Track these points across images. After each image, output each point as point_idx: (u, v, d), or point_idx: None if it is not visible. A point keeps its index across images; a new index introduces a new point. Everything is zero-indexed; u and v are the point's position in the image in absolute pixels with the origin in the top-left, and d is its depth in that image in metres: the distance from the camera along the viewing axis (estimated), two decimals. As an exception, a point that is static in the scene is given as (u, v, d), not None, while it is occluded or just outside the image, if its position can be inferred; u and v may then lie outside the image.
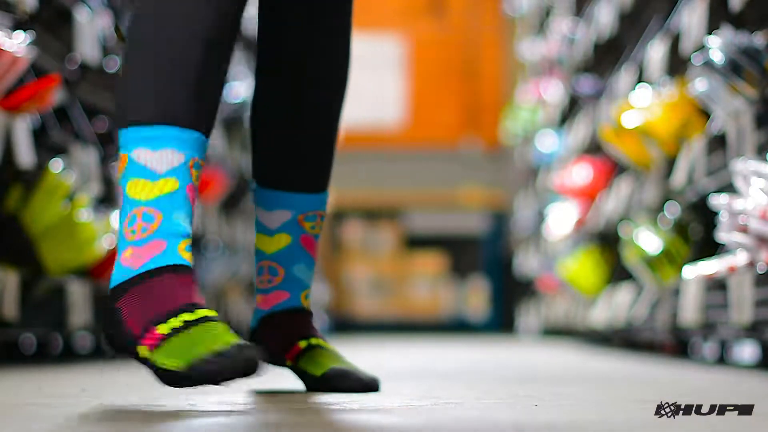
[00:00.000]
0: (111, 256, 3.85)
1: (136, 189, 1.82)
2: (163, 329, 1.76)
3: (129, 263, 1.81)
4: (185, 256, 1.82)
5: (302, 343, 2.10)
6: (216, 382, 1.71)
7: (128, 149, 1.83)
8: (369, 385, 2.06)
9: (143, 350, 1.77)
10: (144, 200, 1.82)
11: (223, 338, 1.73)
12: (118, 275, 1.82)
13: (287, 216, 2.13)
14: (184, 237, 1.82)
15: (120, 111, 1.86)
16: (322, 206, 2.16)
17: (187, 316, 1.77)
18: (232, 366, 1.70)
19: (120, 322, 1.80)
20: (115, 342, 1.82)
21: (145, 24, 1.86)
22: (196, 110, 1.84)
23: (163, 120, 1.83)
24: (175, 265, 1.81)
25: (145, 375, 1.78)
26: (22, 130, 3.16)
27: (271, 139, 2.14)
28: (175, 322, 1.76)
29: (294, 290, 2.14)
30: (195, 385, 1.73)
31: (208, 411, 1.70)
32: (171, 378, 1.74)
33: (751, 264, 2.77)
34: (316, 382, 2.08)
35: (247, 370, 1.72)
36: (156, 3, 1.85)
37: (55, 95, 3.31)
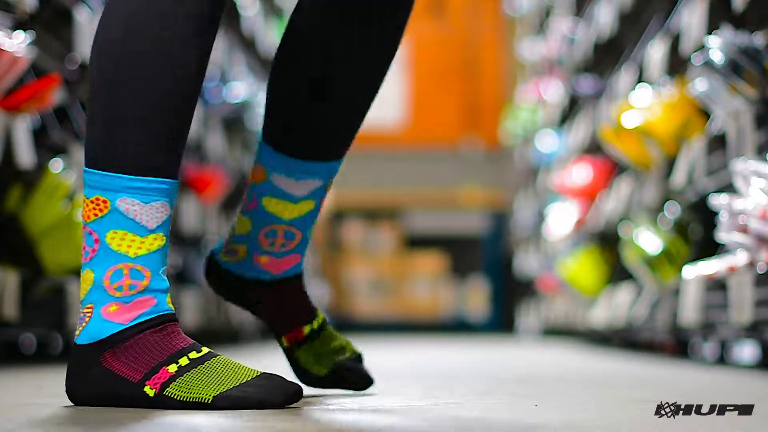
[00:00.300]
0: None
1: (122, 242, 1.75)
2: (172, 368, 1.72)
3: (115, 318, 1.74)
4: (172, 307, 1.78)
5: (306, 329, 2.06)
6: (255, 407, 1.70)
7: (112, 196, 1.74)
8: (368, 381, 2.07)
9: (149, 390, 1.72)
10: (132, 257, 1.75)
11: (244, 369, 1.73)
12: (100, 329, 1.75)
13: (318, 184, 2.06)
14: (168, 291, 1.78)
15: (99, 152, 1.76)
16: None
17: (193, 355, 1.74)
18: (272, 394, 1.70)
19: (108, 374, 1.73)
20: (101, 396, 1.75)
21: (125, 58, 1.75)
22: (178, 158, 1.78)
23: (154, 172, 1.75)
24: (165, 315, 1.76)
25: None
26: (22, 130, 3.16)
27: (304, 110, 2.02)
28: (182, 361, 1.73)
29: (303, 251, 2.09)
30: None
31: (206, 410, 1.69)
32: (194, 407, 1.70)
33: (751, 264, 2.77)
34: (319, 381, 2.06)
35: (290, 398, 1.71)
36: (136, 38, 1.75)
37: (55, 95, 3.31)
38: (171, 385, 1.71)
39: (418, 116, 12.47)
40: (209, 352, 1.76)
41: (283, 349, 2.08)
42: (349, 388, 2.07)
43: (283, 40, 2.03)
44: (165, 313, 1.76)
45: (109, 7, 1.77)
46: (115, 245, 1.75)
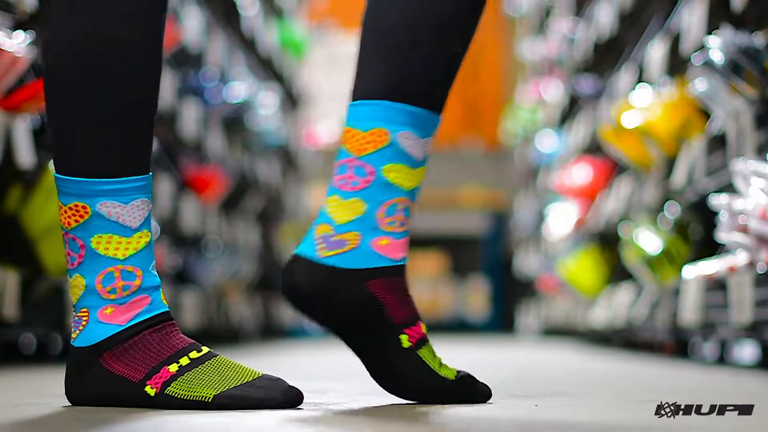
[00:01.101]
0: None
1: (109, 246, 1.73)
2: (173, 368, 1.72)
3: (111, 320, 1.73)
4: (165, 303, 1.77)
5: (424, 326, 1.87)
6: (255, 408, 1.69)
7: (91, 202, 1.72)
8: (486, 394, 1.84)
9: (150, 389, 1.71)
10: (122, 258, 1.73)
11: (245, 369, 1.72)
12: (98, 331, 1.74)
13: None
14: (159, 286, 1.77)
15: (71, 158, 1.74)
16: None
17: (193, 354, 1.74)
18: (272, 394, 1.69)
19: (108, 375, 1.73)
20: (100, 396, 1.74)
21: (81, 57, 1.72)
22: (148, 150, 1.76)
23: (131, 171, 1.73)
24: (162, 314, 1.75)
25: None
26: (22, 130, 3.16)
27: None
28: (183, 360, 1.72)
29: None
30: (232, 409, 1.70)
31: (207, 412, 1.69)
32: (195, 406, 1.70)
33: (751, 264, 2.77)
34: (447, 387, 1.80)
35: (292, 399, 1.70)
36: (89, 32, 1.71)
37: (55, 95, 3.31)
38: (172, 384, 1.71)
39: (418, 116, 12.47)
40: (209, 351, 1.75)
41: (396, 353, 1.80)
42: (475, 401, 1.81)
43: None
44: (161, 312, 1.75)
45: (57, 13, 1.73)
46: (102, 249, 1.74)
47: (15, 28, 3.18)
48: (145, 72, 1.75)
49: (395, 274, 1.80)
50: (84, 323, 1.75)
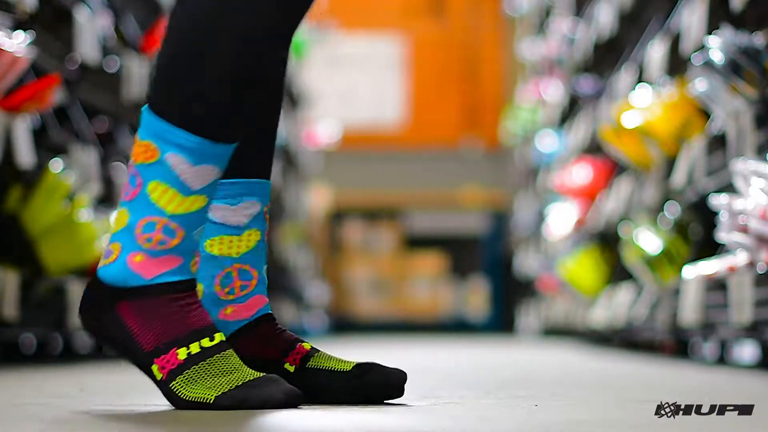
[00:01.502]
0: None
1: (162, 196, 1.72)
2: (181, 354, 1.71)
3: (139, 270, 1.74)
4: (194, 270, 1.76)
5: (306, 345, 1.86)
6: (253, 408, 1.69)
7: (162, 147, 1.71)
8: (401, 381, 1.83)
9: (157, 371, 1.71)
10: (169, 213, 1.72)
11: (248, 370, 1.72)
12: (124, 276, 1.74)
13: (257, 208, 1.88)
14: (196, 252, 1.77)
15: (157, 92, 1.74)
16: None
17: (206, 342, 1.73)
18: (273, 394, 1.69)
19: (121, 326, 1.74)
20: (109, 339, 1.76)
21: (214, 20, 1.72)
22: (238, 123, 1.75)
23: (209, 135, 1.72)
24: (188, 281, 1.75)
25: (143, 376, 1.77)
26: (22, 130, 3.16)
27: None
28: (193, 347, 1.72)
29: (266, 294, 1.90)
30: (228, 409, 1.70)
31: (206, 410, 1.69)
32: (196, 406, 1.70)
33: (751, 264, 2.77)
34: (346, 377, 1.82)
35: (291, 400, 1.70)
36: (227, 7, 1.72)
37: (55, 95, 3.31)
38: (177, 379, 1.71)
39: (418, 116, 12.48)
40: (220, 342, 1.74)
41: (289, 377, 1.83)
42: (380, 382, 1.82)
43: None
44: (187, 279, 1.75)
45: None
46: (155, 197, 1.73)
47: (15, 28, 3.18)
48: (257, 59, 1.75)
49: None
50: (113, 258, 1.75)
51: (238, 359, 1.74)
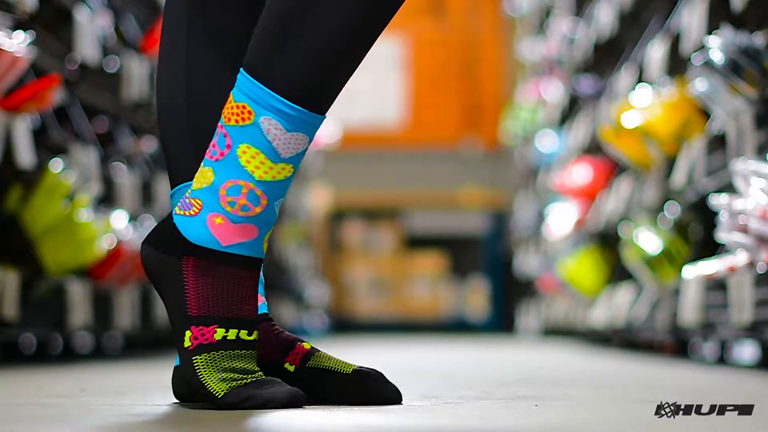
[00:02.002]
0: (112, 256, 3.85)
1: (252, 160, 1.70)
2: (219, 334, 1.71)
3: (217, 233, 1.72)
4: (264, 248, 1.75)
5: (306, 344, 1.85)
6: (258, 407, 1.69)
7: (258, 111, 1.69)
8: (397, 399, 1.81)
9: (188, 338, 1.71)
10: (257, 178, 1.71)
11: (257, 371, 1.73)
12: (201, 234, 1.73)
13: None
14: (273, 225, 1.75)
15: (260, 55, 1.71)
16: None
17: (243, 335, 1.72)
18: (277, 394, 1.69)
19: (178, 283, 1.73)
20: (161, 287, 1.74)
21: None
22: (333, 97, 1.74)
23: (306, 103, 1.70)
24: (258, 260, 1.74)
25: (144, 376, 1.77)
26: (22, 130, 3.16)
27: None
28: (231, 333, 1.72)
29: (264, 295, 1.89)
30: (229, 409, 1.70)
31: (206, 410, 1.69)
32: (203, 396, 1.70)
33: (751, 264, 2.77)
34: (345, 380, 1.81)
35: (295, 399, 1.70)
36: None
37: (55, 95, 3.31)
38: (203, 355, 1.70)
39: (418, 116, 12.47)
40: (254, 340, 1.74)
41: (289, 377, 1.83)
42: (376, 392, 1.81)
43: None
44: (257, 258, 1.73)
45: None
46: (244, 161, 1.71)
47: (15, 28, 3.18)
48: (360, 28, 1.72)
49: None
50: (193, 212, 1.74)
51: (255, 360, 1.74)
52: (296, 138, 1.71)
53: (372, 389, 1.80)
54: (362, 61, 1.76)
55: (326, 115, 1.74)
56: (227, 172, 1.72)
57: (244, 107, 1.71)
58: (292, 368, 1.82)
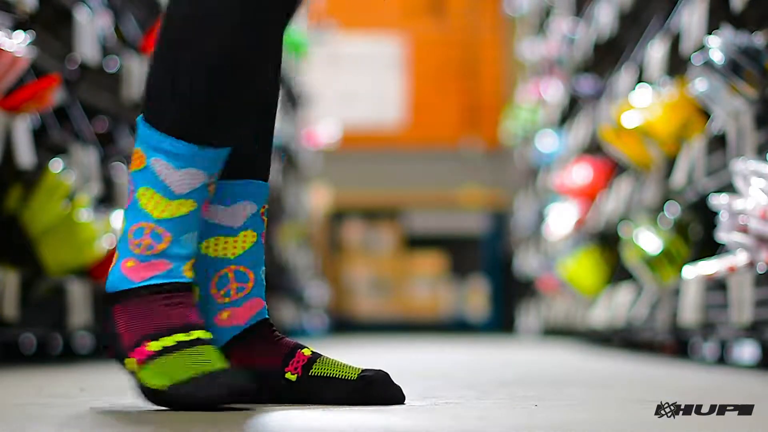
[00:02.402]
0: (111, 256, 3.85)
1: (149, 201, 1.76)
2: (154, 346, 1.73)
3: (130, 274, 1.76)
4: (188, 275, 1.77)
5: (306, 351, 1.83)
6: (198, 407, 1.69)
7: (148, 154, 1.76)
8: (400, 399, 1.81)
9: (131, 363, 1.74)
10: (156, 217, 1.76)
11: (213, 363, 1.71)
12: (117, 281, 1.78)
13: (252, 209, 1.86)
14: (191, 257, 1.77)
15: (145, 102, 1.78)
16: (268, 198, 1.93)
17: (181, 337, 1.73)
18: (218, 390, 1.68)
19: (116, 330, 1.76)
20: (110, 348, 1.78)
21: (191, 25, 1.76)
22: (223, 126, 1.77)
23: (188, 137, 1.75)
24: (176, 283, 1.76)
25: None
26: (22, 130, 3.16)
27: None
28: (168, 341, 1.73)
29: (264, 297, 1.88)
30: (176, 406, 1.70)
31: (206, 410, 1.69)
32: (152, 396, 1.72)
33: (751, 264, 2.77)
34: (349, 388, 1.79)
35: (235, 395, 1.68)
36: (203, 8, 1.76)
37: (55, 95, 3.31)
38: (146, 367, 1.72)
39: (418, 116, 12.47)
40: (199, 337, 1.74)
41: (290, 386, 1.81)
42: (380, 395, 1.80)
43: None
44: (177, 281, 1.76)
45: None
46: (143, 203, 1.77)
47: (15, 28, 3.18)
48: (235, 60, 1.77)
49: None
50: (112, 265, 1.79)
51: (216, 353, 1.73)
52: (189, 174, 1.76)
53: (376, 394, 1.80)
54: (249, 90, 1.80)
55: (220, 147, 1.77)
56: (132, 216, 1.78)
57: (138, 152, 1.78)
58: (293, 377, 1.80)
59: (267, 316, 1.86)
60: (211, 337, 1.77)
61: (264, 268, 1.87)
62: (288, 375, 1.80)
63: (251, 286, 1.85)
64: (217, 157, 1.77)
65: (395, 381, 1.82)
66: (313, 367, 1.81)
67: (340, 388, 1.79)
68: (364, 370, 1.80)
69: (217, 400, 1.69)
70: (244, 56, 1.78)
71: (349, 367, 1.81)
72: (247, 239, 1.85)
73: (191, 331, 1.74)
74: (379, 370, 1.81)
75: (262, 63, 1.83)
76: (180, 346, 1.73)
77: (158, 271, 1.76)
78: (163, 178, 1.76)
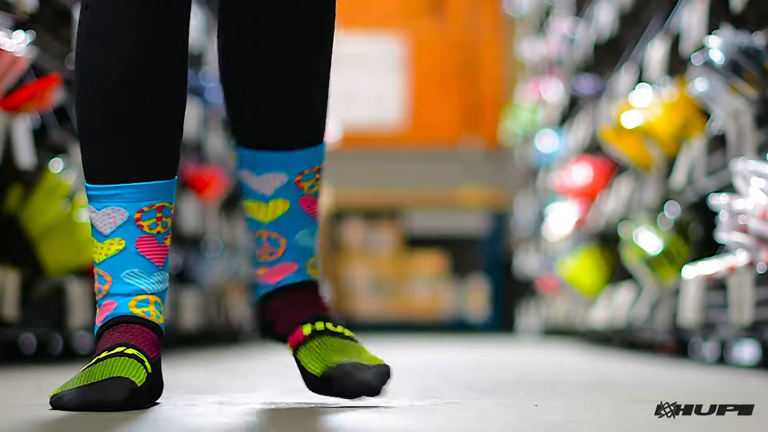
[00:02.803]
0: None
1: (93, 249, 1.83)
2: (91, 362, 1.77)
3: (97, 320, 1.83)
4: (135, 311, 1.79)
5: (306, 329, 1.86)
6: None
7: (88, 204, 1.84)
8: (374, 387, 1.79)
9: None
10: (98, 262, 1.82)
11: (118, 367, 1.74)
12: (96, 327, 1.84)
13: (282, 179, 1.90)
14: (136, 294, 1.80)
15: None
16: (320, 160, 1.94)
17: (104, 354, 1.76)
18: (109, 394, 1.71)
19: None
20: None
21: (78, 70, 1.83)
22: (134, 160, 1.79)
23: (98, 178, 1.80)
24: (118, 317, 1.79)
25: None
26: (22, 130, 3.16)
27: (250, 87, 1.91)
28: (93, 360, 1.77)
29: (300, 260, 1.91)
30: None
31: (206, 411, 1.69)
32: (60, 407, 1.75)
33: (751, 264, 2.77)
34: (315, 383, 1.84)
35: (127, 401, 1.71)
36: (81, 53, 1.81)
37: (55, 95, 3.31)
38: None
39: (418, 116, 12.47)
40: (108, 355, 1.76)
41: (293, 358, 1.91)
42: (334, 394, 1.83)
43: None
44: (118, 315, 1.80)
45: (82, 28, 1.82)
46: (91, 251, 1.84)
47: (15, 28, 3.18)
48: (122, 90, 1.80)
49: (275, 296, 1.91)
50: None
51: (123, 360, 1.75)
52: (108, 212, 1.81)
53: (338, 391, 1.81)
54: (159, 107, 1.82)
55: (130, 183, 1.80)
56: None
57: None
58: (291, 351, 1.88)
59: (300, 280, 1.91)
60: (134, 353, 1.77)
61: (308, 230, 1.91)
62: (288, 347, 1.89)
63: (282, 251, 1.91)
64: (128, 192, 1.80)
65: (370, 369, 1.79)
66: (299, 350, 1.86)
67: (309, 380, 1.85)
68: (329, 371, 1.82)
69: (65, 399, 1.72)
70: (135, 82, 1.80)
71: (322, 359, 1.84)
72: (278, 207, 1.89)
73: (115, 348, 1.76)
74: (348, 363, 1.81)
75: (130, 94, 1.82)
76: (97, 361, 1.75)
77: (107, 312, 1.80)
78: (93, 223, 1.82)
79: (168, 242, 1.83)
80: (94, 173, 1.80)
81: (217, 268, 5.96)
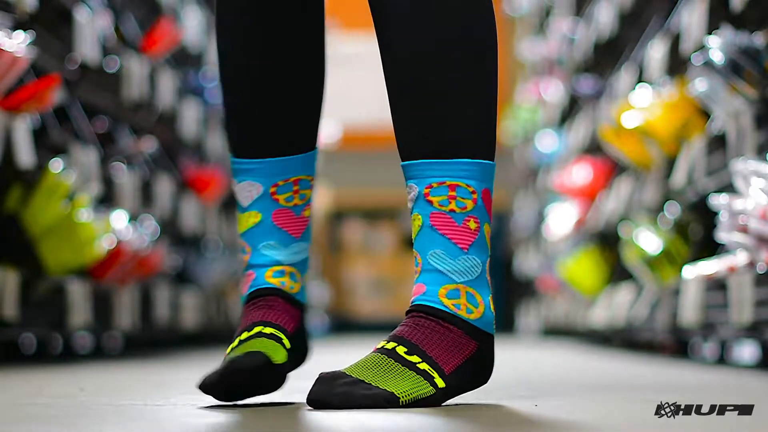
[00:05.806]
0: (111, 256, 3.85)
1: (239, 221, 1.92)
2: (233, 344, 1.82)
3: (242, 287, 1.91)
4: (271, 281, 1.87)
5: (243, 335, 1.84)
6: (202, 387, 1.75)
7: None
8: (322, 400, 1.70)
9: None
10: (240, 233, 1.91)
11: (241, 349, 1.78)
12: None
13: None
14: (272, 264, 1.88)
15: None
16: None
17: (244, 335, 1.82)
18: (213, 374, 1.74)
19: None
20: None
21: (221, 42, 1.90)
22: (267, 138, 1.88)
23: (236, 152, 1.89)
24: (259, 289, 1.87)
25: (144, 376, 1.77)
26: (22, 130, 3.16)
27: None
28: (235, 342, 1.82)
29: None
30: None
31: (206, 411, 1.70)
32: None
33: (751, 264, 2.77)
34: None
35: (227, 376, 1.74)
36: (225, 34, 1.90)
37: (55, 95, 3.31)
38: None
39: (418, 116, 12.47)
40: (249, 336, 1.81)
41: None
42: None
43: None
44: (259, 288, 1.87)
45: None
46: (239, 223, 1.93)
47: (15, 28, 3.18)
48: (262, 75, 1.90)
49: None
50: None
51: (267, 342, 1.80)
52: (244, 186, 1.89)
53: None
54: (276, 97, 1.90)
55: (257, 158, 1.87)
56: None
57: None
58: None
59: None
60: (272, 331, 1.83)
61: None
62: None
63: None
64: (263, 168, 1.88)
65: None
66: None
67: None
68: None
69: (207, 381, 1.73)
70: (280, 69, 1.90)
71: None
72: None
73: (254, 328, 1.83)
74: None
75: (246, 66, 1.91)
76: (240, 343, 1.81)
77: (249, 282, 1.89)
78: (237, 195, 1.90)
79: (307, 213, 1.91)
80: (234, 148, 1.89)
81: (217, 268, 5.96)
